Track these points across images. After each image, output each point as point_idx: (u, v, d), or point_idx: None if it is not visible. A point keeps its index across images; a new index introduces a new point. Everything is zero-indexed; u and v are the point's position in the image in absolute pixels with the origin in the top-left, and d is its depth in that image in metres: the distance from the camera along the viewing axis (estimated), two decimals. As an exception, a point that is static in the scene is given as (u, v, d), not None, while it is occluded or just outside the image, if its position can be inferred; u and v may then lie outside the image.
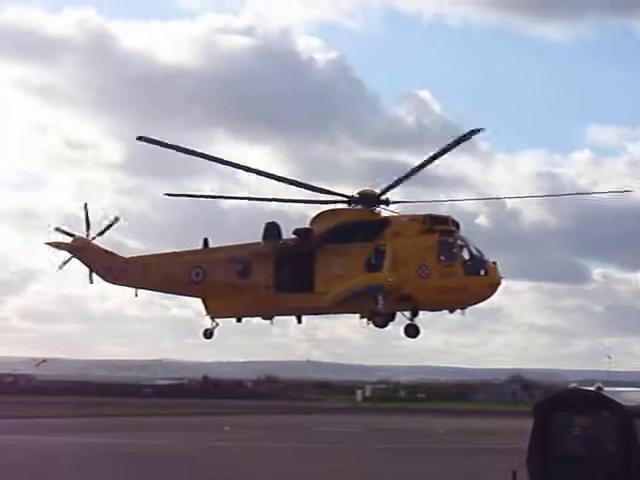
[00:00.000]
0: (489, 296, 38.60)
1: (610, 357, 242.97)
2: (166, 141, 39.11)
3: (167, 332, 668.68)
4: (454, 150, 37.73)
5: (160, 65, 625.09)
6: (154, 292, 45.88)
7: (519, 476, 27.17)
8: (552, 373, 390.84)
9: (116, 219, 44.19)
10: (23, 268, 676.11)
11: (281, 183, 40.11)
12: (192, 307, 45.11)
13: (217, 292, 41.24)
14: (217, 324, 41.68)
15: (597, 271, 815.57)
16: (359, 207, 39.99)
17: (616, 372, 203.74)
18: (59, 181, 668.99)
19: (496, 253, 40.24)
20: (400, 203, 40.06)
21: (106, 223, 44.15)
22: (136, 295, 43.79)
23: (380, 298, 37.76)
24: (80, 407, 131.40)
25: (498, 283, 38.41)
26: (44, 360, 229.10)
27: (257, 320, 42.44)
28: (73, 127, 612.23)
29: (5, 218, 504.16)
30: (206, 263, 41.77)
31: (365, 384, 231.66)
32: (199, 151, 40.49)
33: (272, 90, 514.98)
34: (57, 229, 44.37)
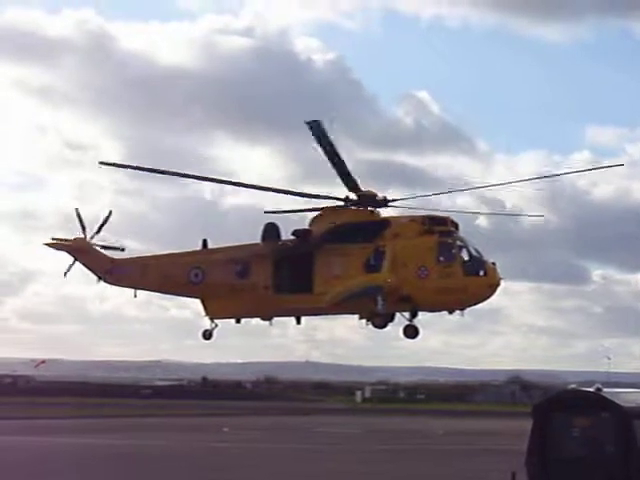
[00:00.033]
0: (488, 297, 38.59)
1: (609, 358, 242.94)
2: (128, 164, 40.55)
3: (166, 333, 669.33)
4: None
5: (159, 66, 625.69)
6: (153, 293, 45.91)
7: (518, 477, 27.15)
8: (551, 374, 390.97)
9: (109, 213, 44.16)
10: (22, 269, 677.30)
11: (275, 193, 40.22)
12: (191, 308, 45.14)
13: (216, 293, 41.24)
14: (216, 325, 41.68)
15: (597, 272, 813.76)
16: (358, 208, 40.00)
17: (615, 373, 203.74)
18: (59, 182, 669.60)
19: (495, 254, 40.28)
20: (399, 201, 40.03)
21: (101, 221, 44.19)
22: (135, 296, 43.83)
23: (379, 299, 37.75)
24: (79, 408, 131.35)
25: (497, 284, 38.39)
26: (43, 361, 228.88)
27: (256, 321, 42.44)
28: (73, 128, 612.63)
29: (4, 219, 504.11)
30: (205, 264, 41.77)
31: (364, 385, 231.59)
32: (170, 170, 40.95)
33: (271, 91, 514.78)
34: (77, 211, 44.38)
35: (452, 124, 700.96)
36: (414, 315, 38.86)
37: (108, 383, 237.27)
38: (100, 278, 44.38)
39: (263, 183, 41.32)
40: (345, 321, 44.51)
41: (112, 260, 44.12)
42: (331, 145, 36.86)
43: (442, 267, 37.92)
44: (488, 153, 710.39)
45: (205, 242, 42.66)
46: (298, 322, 41.45)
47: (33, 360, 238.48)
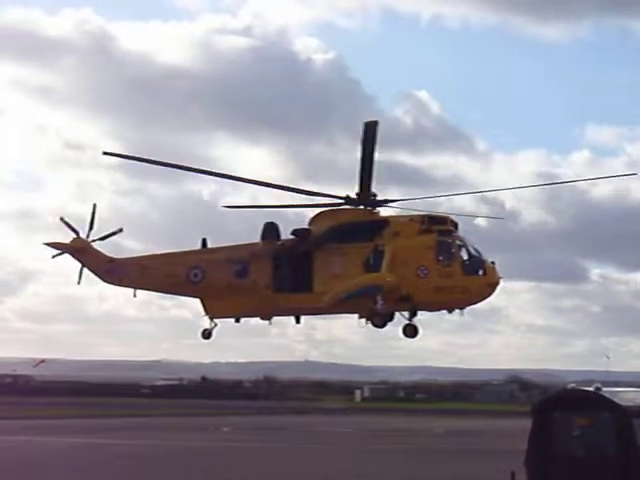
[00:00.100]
0: (488, 296, 38.57)
1: (609, 357, 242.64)
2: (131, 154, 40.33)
3: (166, 333, 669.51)
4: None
5: (159, 66, 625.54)
6: (153, 293, 45.89)
7: (518, 477, 27.17)
8: (550, 373, 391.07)
9: (120, 230, 44.15)
10: (22, 269, 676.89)
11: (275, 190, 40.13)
12: (191, 308, 45.11)
13: (216, 292, 41.20)
14: (216, 324, 41.66)
15: (595, 271, 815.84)
16: (358, 207, 39.99)
17: (615, 372, 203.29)
18: (58, 182, 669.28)
19: (495, 253, 40.27)
20: (399, 201, 40.06)
21: (110, 231, 44.17)
22: (135, 296, 43.80)
23: (379, 298, 37.72)
24: (79, 408, 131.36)
25: (497, 283, 38.39)
26: (43, 361, 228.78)
27: (256, 320, 42.43)
28: (72, 128, 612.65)
29: (4, 219, 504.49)
30: (205, 263, 41.73)
31: (363, 384, 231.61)
32: (173, 162, 40.93)
33: (270, 90, 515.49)
34: (62, 219, 44.31)
35: (451, 123, 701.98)
36: (413, 314, 38.84)
37: (107, 383, 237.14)
38: (100, 278, 44.36)
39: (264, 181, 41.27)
40: (344, 320, 44.52)
41: (112, 260, 44.07)
42: (373, 149, 37.26)
43: (441, 266, 37.90)
44: (487, 152, 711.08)
45: (204, 241, 42.63)
46: (297, 321, 41.45)
47: (33, 360, 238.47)
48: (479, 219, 50.92)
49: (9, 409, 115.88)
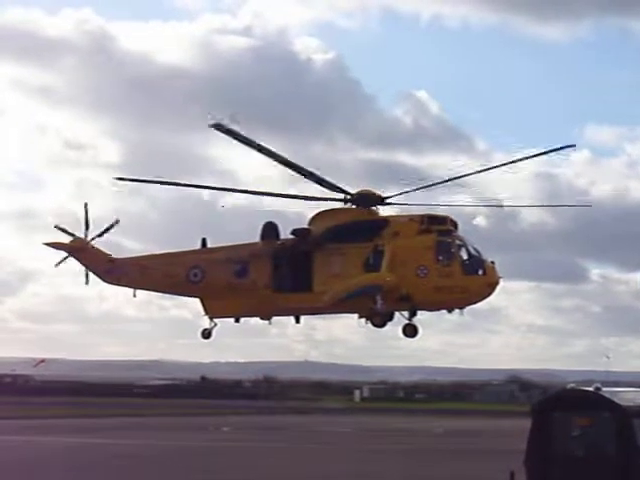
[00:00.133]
0: (487, 296, 38.60)
1: (608, 357, 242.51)
2: (145, 178, 40.92)
3: (165, 332, 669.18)
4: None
5: (158, 66, 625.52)
6: (152, 292, 45.87)
7: (517, 477, 27.14)
8: (550, 373, 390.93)
9: (116, 221, 44.15)
10: (21, 269, 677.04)
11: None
12: (190, 307, 45.11)
13: (215, 292, 41.20)
14: (215, 324, 41.65)
15: (595, 271, 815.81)
16: (357, 207, 39.98)
17: (615, 372, 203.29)
18: (58, 182, 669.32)
19: (494, 253, 40.26)
20: (397, 197, 40.00)
21: (105, 226, 44.16)
22: (134, 295, 43.80)
23: (378, 298, 37.74)
24: (78, 407, 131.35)
25: (496, 283, 38.40)
26: (42, 360, 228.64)
27: (255, 320, 42.43)
28: (72, 128, 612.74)
29: (3, 219, 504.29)
30: (204, 263, 41.74)
31: (363, 384, 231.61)
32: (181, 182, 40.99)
33: (270, 91, 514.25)
34: (57, 227, 44.35)
35: (451, 123, 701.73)
36: (413, 314, 38.85)
37: (107, 383, 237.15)
38: (100, 278, 44.36)
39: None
40: (344, 320, 44.53)
41: (111, 259, 44.08)
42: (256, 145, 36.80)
43: (441, 266, 37.91)
44: (487, 152, 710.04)
45: (204, 241, 42.64)
46: (297, 321, 41.43)
47: (33, 359, 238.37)
48: (478, 217, 50.76)
49: (8, 409, 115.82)
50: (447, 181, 39.08)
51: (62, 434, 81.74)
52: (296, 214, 42.29)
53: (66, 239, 44.23)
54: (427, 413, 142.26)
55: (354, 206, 39.98)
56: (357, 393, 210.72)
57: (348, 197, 39.71)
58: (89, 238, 43.91)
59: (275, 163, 37.99)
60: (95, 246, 44.05)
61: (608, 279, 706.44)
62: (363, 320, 39.35)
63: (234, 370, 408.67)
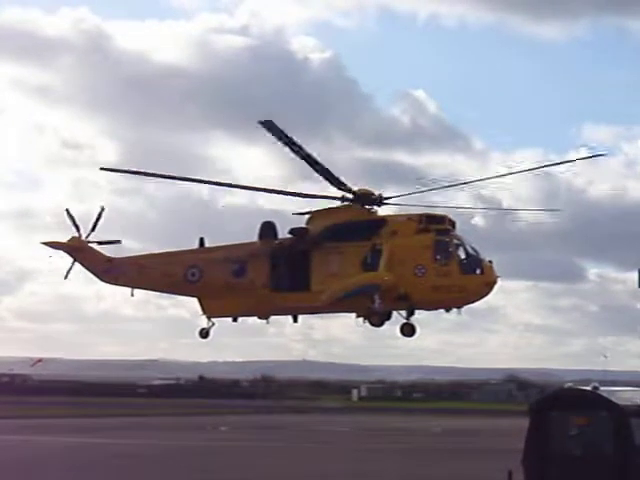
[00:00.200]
0: (485, 295, 38.63)
1: (606, 356, 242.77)
2: (127, 169, 40.75)
3: (163, 332, 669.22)
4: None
5: (155, 65, 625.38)
6: (150, 292, 45.89)
7: (515, 476, 27.17)
8: (548, 373, 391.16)
9: (102, 209, 43.94)
10: (19, 268, 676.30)
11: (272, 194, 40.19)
12: (188, 307, 45.12)
13: (213, 292, 41.22)
14: (213, 324, 41.67)
15: (593, 271, 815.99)
16: (356, 206, 40.00)
17: (612, 371, 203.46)
18: (56, 181, 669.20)
19: (492, 252, 40.29)
20: (395, 198, 40.04)
21: (108, 239, 44.22)
22: (132, 295, 43.83)
23: (376, 297, 37.76)
24: (76, 407, 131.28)
25: (494, 282, 38.42)
26: (40, 360, 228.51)
27: (253, 320, 42.47)
28: (69, 127, 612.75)
29: (1, 218, 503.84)
30: (202, 263, 41.75)
31: (361, 384, 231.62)
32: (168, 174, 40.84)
33: (267, 90, 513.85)
34: (67, 211, 44.26)
35: (448, 123, 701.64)
36: (411, 313, 38.87)
37: (105, 382, 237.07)
38: (98, 277, 44.35)
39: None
40: (342, 320, 44.58)
41: (109, 259, 44.08)
42: (297, 145, 37.01)
43: (439, 265, 37.95)
44: (484, 151, 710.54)
45: (202, 241, 42.65)
46: (295, 321, 41.45)
47: (30, 359, 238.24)
48: (476, 217, 50.79)
49: (6, 408, 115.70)
50: (449, 186, 39.34)
51: (60, 434, 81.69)
52: (295, 214, 42.25)
53: (65, 235, 44.22)
54: (425, 412, 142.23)
55: (352, 205, 40.00)
56: (355, 392, 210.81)
57: (346, 196, 39.72)
58: (85, 238, 43.88)
59: (298, 159, 37.91)
60: (93, 246, 44.03)
61: (605, 278, 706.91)
62: (361, 319, 39.39)
63: (232, 369, 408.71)
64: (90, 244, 43.93)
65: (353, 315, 39.84)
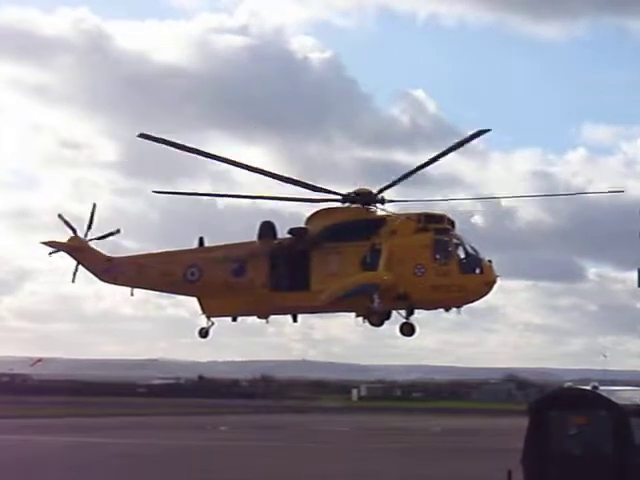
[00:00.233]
0: (485, 295, 38.58)
1: (606, 356, 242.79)
2: (168, 138, 39.25)
3: (163, 331, 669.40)
4: (457, 150, 37.83)
5: (155, 65, 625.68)
6: (150, 291, 45.86)
7: (514, 476, 27.18)
8: (547, 372, 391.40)
9: (117, 231, 44.10)
10: (19, 267, 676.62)
11: (277, 181, 40.01)
12: (188, 306, 45.14)
13: (213, 291, 41.19)
14: (213, 323, 41.65)
15: (592, 270, 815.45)
16: (354, 206, 39.98)
17: (612, 371, 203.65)
18: (54, 181, 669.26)
19: (491, 251, 40.28)
20: (395, 201, 40.04)
21: (107, 231, 44.17)
22: (132, 294, 43.81)
23: (376, 297, 37.74)
24: (75, 407, 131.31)
25: (494, 281, 38.39)
26: (39, 360, 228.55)
27: (253, 319, 42.44)
28: (68, 127, 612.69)
29: (1, 218, 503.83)
30: (202, 262, 41.72)
31: (360, 383, 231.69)
32: (199, 149, 40.42)
33: (267, 89, 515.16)
34: (60, 216, 44.26)
35: (448, 122, 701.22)
36: (410, 313, 38.85)
37: (104, 382, 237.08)
38: (97, 277, 44.33)
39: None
40: (341, 319, 44.61)
41: (109, 259, 44.06)
42: None
43: (438, 265, 37.92)
44: (484, 151, 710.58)
45: (201, 240, 42.63)
46: (294, 320, 41.43)
47: (30, 359, 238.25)
48: (475, 217, 50.88)
49: (6, 408, 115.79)
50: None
51: (60, 433, 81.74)
52: (293, 213, 42.31)
53: (64, 235, 44.19)
54: (424, 412, 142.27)
55: (351, 205, 39.98)
56: (355, 392, 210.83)
57: (345, 196, 39.70)
58: (88, 238, 43.85)
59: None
60: (92, 245, 44.00)
61: (605, 278, 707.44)
62: (360, 319, 39.36)
63: (231, 369, 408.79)
64: (90, 242, 43.89)
65: (352, 315, 39.81)
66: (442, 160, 38.49)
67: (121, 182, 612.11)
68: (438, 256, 38.04)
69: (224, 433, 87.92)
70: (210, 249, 42.15)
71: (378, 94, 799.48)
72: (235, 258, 41.02)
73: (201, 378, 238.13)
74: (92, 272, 44.16)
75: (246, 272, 40.72)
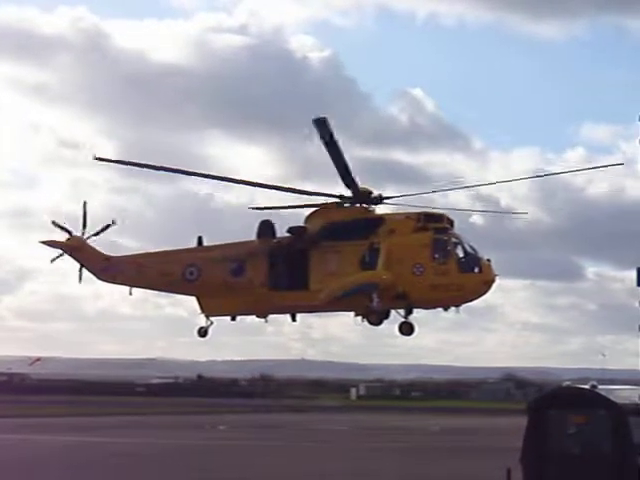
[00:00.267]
0: (483, 294, 38.59)
1: (604, 355, 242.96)
2: (122, 159, 39.66)
3: (161, 331, 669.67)
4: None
5: (154, 64, 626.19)
6: (148, 291, 45.82)
7: (513, 475, 27.18)
8: (546, 371, 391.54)
9: (113, 222, 44.03)
10: (18, 267, 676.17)
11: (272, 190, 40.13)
12: (186, 306, 45.14)
13: (211, 290, 41.17)
14: (212, 322, 41.63)
15: (591, 269, 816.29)
16: (353, 205, 39.97)
17: (610, 370, 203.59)
18: (53, 180, 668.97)
19: (490, 251, 40.27)
20: (394, 199, 40.01)
21: (102, 225, 44.10)
22: (130, 294, 43.78)
23: (374, 296, 37.73)
24: (74, 406, 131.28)
25: (492, 280, 38.39)
26: (38, 359, 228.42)
27: (252, 318, 42.42)
28: (67, 126, 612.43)
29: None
30: (200, 261, 41.69)
31: (359, 382, 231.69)
32: (166, 166, 40.50)
33: (266, 89, 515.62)
34: (54, 223, 44.27)
35: (447, 121, 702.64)
36: (409, 312, 38.85)
37: (103, 381, 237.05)
38: (95, 276, 44.29)
39: (258, 181, 41.23)
40: (340, 318, 44.61)
41: (107, 258, 44.03)
42: (335, 142, 36.88)
43: (437, 264, 37.91)
44: (483, 150, 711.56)
45: (200, 239, 42.61)
46: (293, 319, 41.42)
47: (29, 358, 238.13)
48: (475, 216, 50.86)
49: (4, 407, 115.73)
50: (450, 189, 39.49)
51: (59, 432, 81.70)
52: (292, 212, 42.24)
53: (62, 237, 44.16)
54: (423, 411, 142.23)
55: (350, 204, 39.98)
56: (353, 391, 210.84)
57: (344, 195, 39.69)
58: (85, 236, 43.82)
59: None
60: (91, 244, 43.96)
61: (603, 277, 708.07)
62: (359, 318, 39.35)
63: (230, 368, 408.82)
64: (88, 241, 43.84)
65: (351, 314, 39.80)
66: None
67: (119, 181, 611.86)
68: (437, 255, 38.04)
69: (223, 432, 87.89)
70: (209, 248, 42.13)
71: (377, 93, 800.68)
72: (234, 257, 40.99)
73: (200, 377, 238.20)
74: (91, 271, 44.12)
75: (245, 271, 40.70)
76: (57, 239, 44.34)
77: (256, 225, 40.38)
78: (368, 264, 38.50)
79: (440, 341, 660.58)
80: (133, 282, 43.36)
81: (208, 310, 41.48)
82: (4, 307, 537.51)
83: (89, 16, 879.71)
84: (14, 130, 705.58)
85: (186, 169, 41.57)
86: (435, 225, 38.55)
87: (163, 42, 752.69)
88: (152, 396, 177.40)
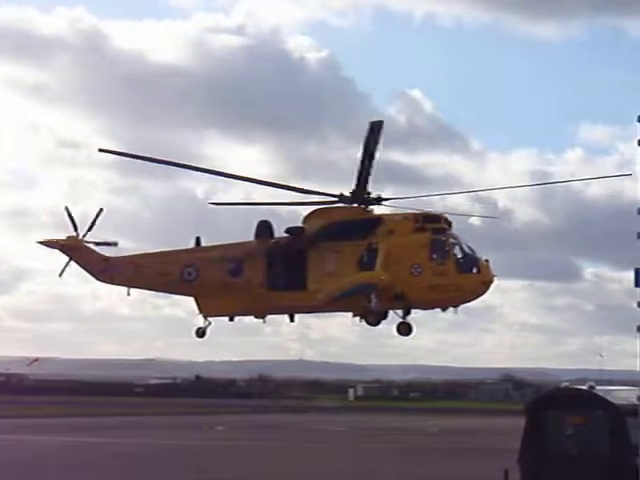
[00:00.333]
0: (481, 294, 38.58)
1: (602, 355, 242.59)
2: (128, 152, 39.67)
3: (160, 331, 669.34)
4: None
5: (152, 64, 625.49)
6: (146, 291, 45.80)
7: (511, 475, 27.18)
8: (544, 372, 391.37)
9: (100, 210, 43.91)
10: (15, 267, 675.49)
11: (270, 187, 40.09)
12: (185, 306, 45.14)
13: (210, 291, 41.16)
14: (210, 323, 41.62)
15: (589, 270, 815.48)
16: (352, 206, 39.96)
17: (608, 371, 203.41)
18: (52, 180, 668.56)
19: (488, 251, 40.26)
20: (393, 200, 40.03)
21: (105, 240, 44.15)
22: (128, 294, 43.74)
23: (373, 296, 37.73)
24: (72, 406, 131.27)
25: (490, 281, 38.39)
26: (36, 359, 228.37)
27: (250, 319, 42.40)
28: (66, 126, 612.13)
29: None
30: (198, 262, 41.69)
31: (357, 383, 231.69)
32: (168, 159, 40.55)
33: (263, 89, 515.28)
34: (67, 209, 44.19)
35: (445, 122, 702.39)
36: (407, 313, 38.85)
37: (101, 382, 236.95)
38: (94, 276, 44.28)
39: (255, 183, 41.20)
40: (338, 319, 44.55)
41: (106, 258, 44.02)
42: (375, 149, 37.23)
43: (435, 264, 37.91)
44: (481, 151, 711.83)
45: (198, 240, 42.60)
46: (292, 320, 41.42)
47: (27, 358, 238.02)
48: (473, 218, 50.85)
49: (2, 408, 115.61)
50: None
51: (57, 433, 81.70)
52: (290, 212, 42.25)
53: (61, 236, 44.12)
54: (421, 412, 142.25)
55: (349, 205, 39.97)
56: (351, 392, 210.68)
57: (343, 195, 39.67)
58: (81, 236, 43.78)
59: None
60: (89, 245, 43.95)
61: (601, 278, 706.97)
62: (357, 319, 39.34)
63: (228, 369, 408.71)
64: (87, 244, 43.83)
65: (349, 314, 39.80)
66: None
67: (118, 181, 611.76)
68: (435, 256, 38.03)
69: (221, 433, 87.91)
70: (207, 249, 42.12)
71: (375, 94, 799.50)
72: (232, 258, 40.98)
73: (198, 378, 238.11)
74: (89, 272, 44.12)
75: (243, 272, 40.69)
76: (54, 238, 44.35)
77: (254, 225, 40.38)
78: (366, 264, 38.50)
79: (438, 342, 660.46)
80: (131, 283, 43.35)
81: (206, 310, 41.47)
82: (2, 307, 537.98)
83: (87, 16, 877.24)
84: (13, 130, 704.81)
85: (187, 163, 41.47)
86: (433, 226, 38.55)
87: (161, 42, 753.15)
88: (150, 396, 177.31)
